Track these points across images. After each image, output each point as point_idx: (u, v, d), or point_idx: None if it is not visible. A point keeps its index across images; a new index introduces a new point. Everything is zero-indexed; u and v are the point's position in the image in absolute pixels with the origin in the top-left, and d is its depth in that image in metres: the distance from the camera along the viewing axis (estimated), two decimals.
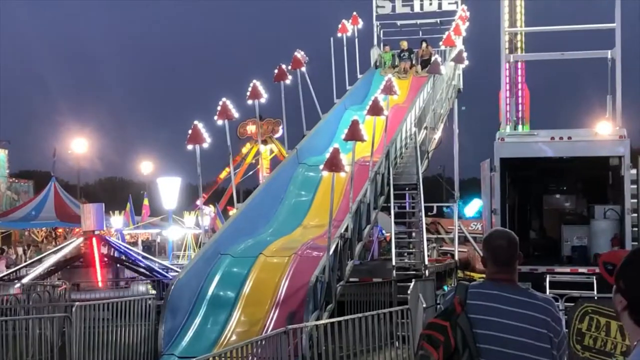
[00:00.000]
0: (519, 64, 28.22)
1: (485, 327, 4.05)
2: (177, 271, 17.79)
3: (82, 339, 11.35)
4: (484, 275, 4.38)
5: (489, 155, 18.04)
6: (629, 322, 2.69)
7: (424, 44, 24.88)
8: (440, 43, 24.18)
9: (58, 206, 35.53)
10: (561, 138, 17.70)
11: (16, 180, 50.29)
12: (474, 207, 44.60)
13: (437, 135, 23.21)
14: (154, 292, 15.99)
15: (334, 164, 13.60)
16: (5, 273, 21.01)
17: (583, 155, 18.01)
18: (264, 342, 8.53)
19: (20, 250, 33.20)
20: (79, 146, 49.90)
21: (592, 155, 17.99)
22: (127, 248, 23.00)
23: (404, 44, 25.70)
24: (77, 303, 12.23)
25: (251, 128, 35.56)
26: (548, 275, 16.63)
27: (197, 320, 13.53)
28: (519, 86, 28.81)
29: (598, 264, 3.02)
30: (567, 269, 17.10)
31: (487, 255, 4.27)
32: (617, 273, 2.74)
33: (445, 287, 19.74)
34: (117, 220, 34.13)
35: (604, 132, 18.25)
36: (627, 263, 2.73)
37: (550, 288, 16.03)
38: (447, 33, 23.79)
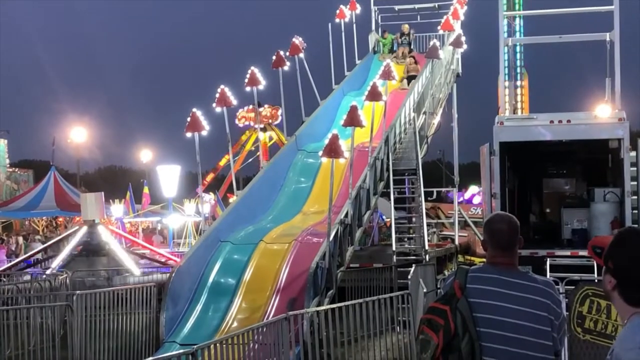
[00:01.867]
0: (518, 48, 28.15)
1: (485, 310, 4.06)
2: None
3: (84, 327, 11.36)
4: (484, 260, 4.38)
5: (489, 140, 18.03)
6: (619, 300, 2.77)
7: (410, 59, 23.60)
8: (439, 27, 24.10)
9: (58, 195, 35.55)
10: (560, 121, 17.68)
11: (16, 170, 50.32)
12: (469, 193, 44.71)
13: (436, 120, 23.18)
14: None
15: (333, 150, 13.59)
16: (10, 264, 21.00)
17: (582, 138, 18.00)
18: (265, 329, 8.55)
19: (20, 239, 33.19)
20: (78, 135, 49.82)
21: (591, 138, 17.97)
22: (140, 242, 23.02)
23: (406, 28, 25.62)
24: (77, 292, 12.23)
25: (250, 115, 35.51)
26: (548, 259, 16.65)
27: (198, 308, 13.56)
28: (518, 70, 28.76)
29: (587, 248, 3.10)
30: (568, 252, 17.11)
31: (487, 238, 4.27)
32: (605, 254, 2.81)
33: (446, 272, 19.77)
34: (117, 209, 34.12)
35: (603, 115, 18.23)
36: (614, 244, 2.80)
37: (550, 271, 16.05)
38: (445, 17, 23.70)
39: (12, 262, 21.37)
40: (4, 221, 40.71)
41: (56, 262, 18.89)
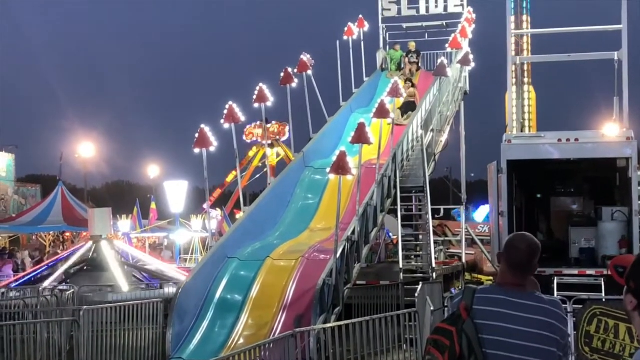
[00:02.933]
0: (525, 65, 28.18)
1: (492, 332, 4.05)
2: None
3: (91, 342, 11.36)
4: (491, 278, 4.38)
5: (496, 157, 18.03)
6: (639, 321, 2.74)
7: (408, 84, 22.03)
8: (447, 45, 24.15)
9: (66, 210, 35.58)
10: (568, 140, 17.67)
11: (23, 185, 50.44)
12: (483, 212, 44.60)
13: (444, 137, 23.18)
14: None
15: (340, 167, 13.60)
16: (16, 278, 21.02)
17: (590, 157, 17.98)
18: (271, 345, 8.53)
19: (26, 253, 33.22)
20: (86, 150, 49.96)
21: (599, 157, 17.95)
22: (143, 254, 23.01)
23: (412, 45, 25.68)
24: (84, 307, 12.24)
25: (257, 131, 35.56)
26: (556, 278, 16.60)
27: (205, 324, 13.54)
28: (526, 88, 28.76)
29: (608, 267, 3.07)
30: (575, 271, 17.06)
31: (504, 254, 4.26)
32: (627, 274, 2.79)
33: (453, 290, 19.72)
34: (124, 224, 34.14)
35: (611, 133, 18.23)
36: (637, 264, 2.77)
37: (558, 290, 15.99)
38: (453, 35, 23.75)
39: (18, 277, 21.36)
40: (12, 236, 40.76)
41: (53, 278, 18.80)
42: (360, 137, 14.56)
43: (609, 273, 3.09)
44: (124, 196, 64.92)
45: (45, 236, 40.08)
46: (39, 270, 20.87)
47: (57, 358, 10.78)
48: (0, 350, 10.20)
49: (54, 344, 11.06)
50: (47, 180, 57.21)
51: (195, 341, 13.14)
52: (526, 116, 28.40)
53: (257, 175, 36.13)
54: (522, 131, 25.10)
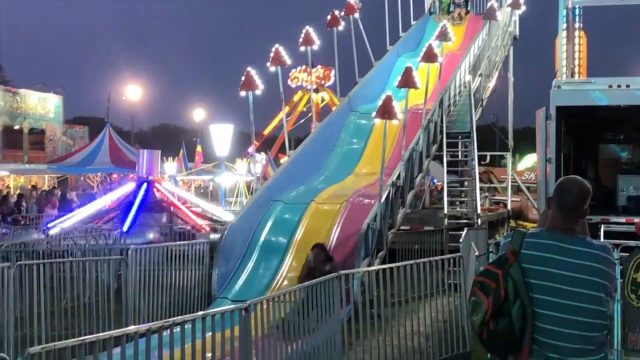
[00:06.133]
0: (578, 9, 27.51)
1: (539, 277, 4.02)
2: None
3: (137, 281, 11.54)
4: (535, 225, 4.33)
5: (544, 104, 17.74)
6: None
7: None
8: None
9: (113, 152, 36.02)
10: (619, 86, 17.30)
11: (71, 126, 51.11)
12: (528, 161, 44.25)
13: (492, 83, 22.87)
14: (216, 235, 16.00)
15: (386, 112, 13.51)
16: (65, 218, 21.36)
17: None
18: (316, 287, 8.60)
19: (74, 194, 33.76)
20: (132, 93, 50.36)
21: None
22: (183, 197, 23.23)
23: None
24: (132, 246, 12.43)
25: (302, 76, 35.44)
26: (603, 225, 16.42)
27: (250, 265, 13.71)
28: (577, 33, 28.12)
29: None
30: (622, 219, 16.86)
31: (554, 198, 4.20)
32: None
33: (497, 236, 19.63)
34: (170, 167, 34.50)
35: None
36: None
37: (604, 237, 15.83)
38: None
39: (69, 216, 21.65)
40: (60, 176, 41.48)
41: (128, 223, 18.89)
42: (407, 81, 14.42)
43: None
44: (170, 139, 65.43)
45: (93, 177, 40.67)
46: (87, 210, 21.17)
47: (105, 296, 10.97)
48: (50, 288, 10.42)
49: (102, 283, 11.24)
50: (95, 122, 57.82)
51: (240, 282, 13.32)
52: (576, 62, 27.79)
53: (302, 120, 36.13)
54: (572, 77, 24.59)
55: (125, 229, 18.07)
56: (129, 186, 21.37)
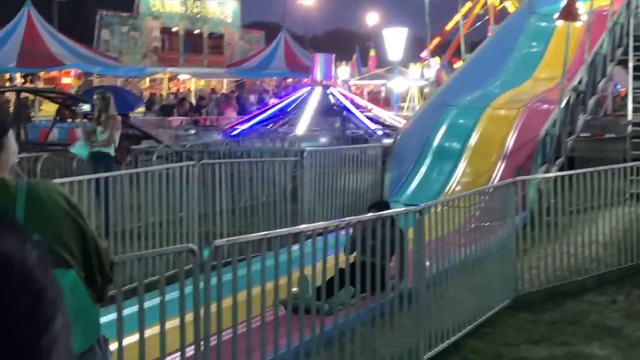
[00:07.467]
0: None
1: None
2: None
3: (312, 183, 11.81)
4: None
5: None
6: None
7: None
8: None
9: (288, 56, 36.63)
10: None
11: (248, 31, 52.18)
12: None
13: None
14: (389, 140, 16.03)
15: (569, 13, 12.92)
16: (243, 119, 22.01)
17: None
18: (491, 192, 8.47)
19: (252, 97, 34.70)
20: None
21: None
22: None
23: None
24: (307, 148, 12.70)
25: None
26: None
27: (423, 170, 13.70)
28: None
29: None
30: None
31: None
32: None
33: None
34: (343, 71, 34.68)
35: None
36: None
37: None
38: None
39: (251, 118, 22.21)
40: (237, 80, 42.70)
41: (302, 126, 19.12)
42: None
43: None
44: (344, 43, 65.56)
45: (269, 81, 41.63)
46: (265, 114, 21.73)
47: (282, 195, 11.32)
48: (230, 187, 10.85)
49: (279, 183, 11.57)
50: (271, 26, 58.73)
51: (413, 186, 13.37)
52: None
53: (478, 23, 35.10)
54: None
55: (299, 132, 18.45)
56: (304, 90, 21.71)
